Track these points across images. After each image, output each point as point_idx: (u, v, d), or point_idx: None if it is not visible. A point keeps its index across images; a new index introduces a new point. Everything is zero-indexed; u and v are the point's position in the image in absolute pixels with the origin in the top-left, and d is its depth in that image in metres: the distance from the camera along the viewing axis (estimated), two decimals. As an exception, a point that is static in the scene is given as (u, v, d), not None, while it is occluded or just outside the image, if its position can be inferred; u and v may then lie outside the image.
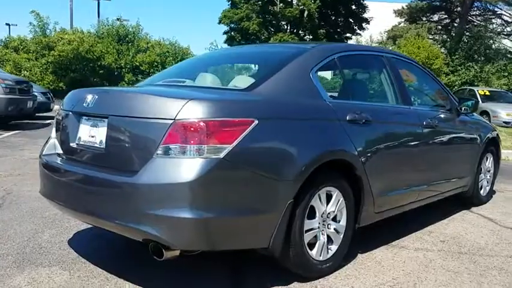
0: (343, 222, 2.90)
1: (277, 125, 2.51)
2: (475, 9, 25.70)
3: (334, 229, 2.86)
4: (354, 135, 2.90)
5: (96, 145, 2.58)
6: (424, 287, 2.74)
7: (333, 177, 2.80)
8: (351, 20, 27.63)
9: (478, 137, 4.47)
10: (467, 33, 23.80)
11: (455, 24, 25.64)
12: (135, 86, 3.39)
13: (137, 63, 19.47)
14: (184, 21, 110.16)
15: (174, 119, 2.24)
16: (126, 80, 19.00)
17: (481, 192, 4.78)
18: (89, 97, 2.64)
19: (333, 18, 27.79)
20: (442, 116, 3.97)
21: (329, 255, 2.83)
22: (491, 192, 5.11)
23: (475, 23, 24.68)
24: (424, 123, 3.64)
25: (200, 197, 2.22)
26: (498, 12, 24.86)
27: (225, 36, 28.11)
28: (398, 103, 3.54)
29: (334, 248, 2.86)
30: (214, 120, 2.26)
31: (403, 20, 26.29)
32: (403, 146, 3.41)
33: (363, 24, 27.53)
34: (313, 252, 2.72)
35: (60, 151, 2.89)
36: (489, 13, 25.32)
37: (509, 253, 3.39)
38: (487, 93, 17.13)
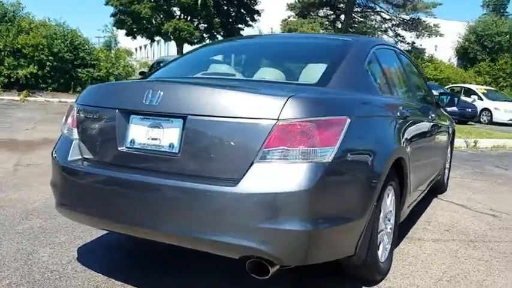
0: (393, 220, 2.86)
1: (362, 123, 2.35)
2: (357, 6, 27.69)
3: (390, 228, 2.80)
4: (402, 131, 2.87)
5: (163, 149, 2.15)
6: (474, 278, 2.82)
7: (391, 175, 2.73)
8: (243, 11, 27.81)
9: (449, 129, 4.78)
10: (352, 30, 25.59)
11: (341, 20, 27.41)
12: (155, 80, 2.86)
13: (19, 46, 17.18)
14: (71, 1, 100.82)
15: (277, 119, 1.96)
16: (6, 64, 16.68)
17: (445, 179, 5.14)
18: (148, 93, 2.18)
19: (225, 8, 27.73)
20: (433, 109, 4.15)
21: (387, 256, 2.76)
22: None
23: (357, 20, 26.65)
24: (430, 117, 3.77)
25: (314, 206, 1.98)
26: (377, 10, 27.13)
27: (113, 19, 26.28)
28: (414, 98, 3.60)
29: (389, 247, 2.80)
30: (319, 120, 2.02)
31: (293, 13, 27.31)
32: (424, 140, 3.48)
33: (255, 16, 27.90)
34: (379, 254, 2.63)
35: (92, 156, 2.38)
36: (369, 10, 27.51)
37: (509, 238, 3.66)
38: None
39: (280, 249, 1.97)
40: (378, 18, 26.72)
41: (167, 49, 42.70)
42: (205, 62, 3.13)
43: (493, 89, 21.28)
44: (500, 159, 8.19)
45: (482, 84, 23.68)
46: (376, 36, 24.78)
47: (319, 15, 27.58)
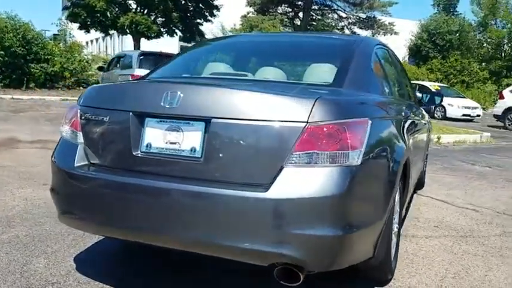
0: (397, 219, 2.88)
1: (378, 124, 2.34)
2: (315, 4, 28.02)
3: (396, 227, 2.82)
4: (406, 131, 2.89)
5: (183, 153, 2.05)
6: (475, 274, 2.89)
7: (401, 174, 2.74)
8: (201, 6, 27.41)
9: (428, 126, 4.89)
10: (310, 27, 25.87)
11: (300, 18, 27.65)
12: (172, 81, 2.53)
13: (-35, 40, 16.21)
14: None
15: (306, 122, 1.91)
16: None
17: (424, 175, 5.27)
18: (166, 95, 2.06)
19: (183, 2, 27.20)
20: (418, 107, 4.23)
21: (394, 255, 2.78)
22: (424, 176, 5.67)
23: (315, 17, 26.98)
24: (420, 116, 3.84)
25: (345, 210, 1.96)
26: (334, 8, 27.59)
27: (66, 12, 25.12)
28: (406, 97, 3.65)
29: (395, 246, 2.82)
30: (348, 122, 1.99)
31: (253, 10, 27.25)
32: (416, 139, 3.54)
33: (214, 11, 27.57)
34: (392, 254, 2.64)
35: (101, 161, 2.23)
36: (326, 8, 27.94)
37: (496, 232, 3.79)
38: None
39: (311, 255, 1.93)
40: (335, 16, 27.18)
41: (121, 43, 41.48)
42: (211, 61, 3.01)
43: (445, 85, 22.16)
44: (465, 155, 8.52)
45: (434, 81, 24.59)
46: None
47: (278, 12, 27.70)
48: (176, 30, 26.71)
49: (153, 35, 25.29)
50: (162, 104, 2.06)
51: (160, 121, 2.11)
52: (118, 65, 13.72)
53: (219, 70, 2.82)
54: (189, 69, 2.91)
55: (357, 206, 2.01)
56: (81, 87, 18.68)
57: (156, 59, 13.04)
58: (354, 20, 26.49)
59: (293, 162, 1.90)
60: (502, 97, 16.94)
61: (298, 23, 26.54)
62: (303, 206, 1.87)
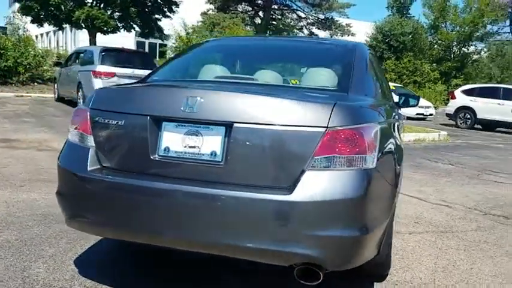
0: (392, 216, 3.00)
1: (383, 128, 2.43)
2: (275, 3, 28.23)
3: (392, 224, 2.94)
4: (399, 132, 3.02)
5: (203, 157, 2.06)
6: (462, 267, 3.07)
7: None
8: (160, 1, 26.96)
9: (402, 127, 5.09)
10: (271, 27, 26.06)
11: (261, 16, 27.78)
12: (190, 86, 2.52)
13: None
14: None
15: (326, 127, 1.98)
16: None
17: (397, 174, 5.48)
18: (186, 99, 2.07)
19: (141, -3, 26.63)
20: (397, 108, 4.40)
21: (390, 250, 2.90)
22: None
23: (275, 17, 27.20)
24: (402, 117, 4.00)
25: (364, 212, 2.04)
26: (293, 8, 27.91)
27: (18, 5, 23.96)
28: (392, 99, 3.80)
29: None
30: (363, 127, 2.08)
31: (213, 7, 27.11)
32: (401, 139, 3.68)
33: (173, 7, 27.21)
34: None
35: (115, 165, 2.21)
36: (286, 8, 28.22)
37: (472, 227, 4.02)
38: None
39: (331, 255, 2.00)
40: (295, 16, 27.50)
41: (74, 37, 40.10)
42: (212, 64, 3.01)
43: (399, 85, 22.95)
44: (426, 152, 8.91)
45: (388, 81, 25.41)
46: (293, 34, 25.52)
47: (239, 10, 27.71)
48: (134, 26, 26.16)
49: (109, 30, 24.67)
50: (181, 108, 2.06)
51: (179, 125, 2.11)
52: (77, 61, 13.31)
53: (223, 74, 2.84)
54: (191, 73, 2.90)
55: (372, 207, 2.09)
56: (35, 83, 17.97)
57: (118, 55, 12.75)
58: (312, 21, 26.92)
59: (314, 166, 1.96)
60: (453, 97, 17.80)
61: (259, 21, 26.66)
62: (325, 208, 1.94)
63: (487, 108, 16.35)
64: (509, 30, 37.42)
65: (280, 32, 24.88)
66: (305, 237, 1.94)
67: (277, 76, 2.80)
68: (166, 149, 2.11)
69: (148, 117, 2.13)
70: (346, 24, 26.54)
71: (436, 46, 33.25)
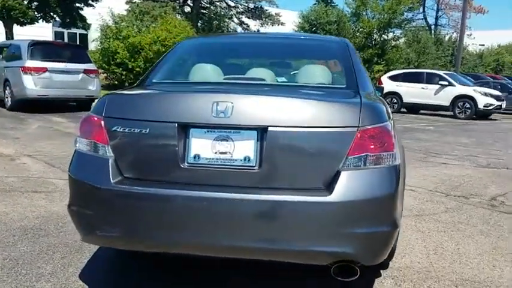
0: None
1: (394, 123, 2.54)
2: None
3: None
4: None
5: (236, 163, 2.04)
6: (449, 248, 3.29)
7: None
8: (79, -12, 25.49)
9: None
10: (200, 15, 25.63)
11: (190, 5, 27.20)
12: (209, 89, 2.50)
13: None
14: None
15: (357, 127, 2.04)
16: None
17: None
18: (215, 104, 2.03)
19: (60, -16, 25.05)
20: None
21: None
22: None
23: (204, 5, 26.81)
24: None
25: (396, 208, 2.13)
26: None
27: None
28: None
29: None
30: (387, 125, 2.17)
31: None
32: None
33: (94, -5, 25.86)
34: None
35: (139, 175, 2.12)
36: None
37: (441, 209, 4.30)
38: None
39: (367, 251, 2.08)
40: (224, 5, 27.28)
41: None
42: (217, 64, 2.92)
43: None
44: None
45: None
46: (224, 23, 25.38)
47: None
48: (54, 16, 24.62)
49: (27, 21, 23.04)
50: (211, 114, 2.02)
51: (208, 131, 2.06)
52: (1, 56, 12.31)
53: (231, 74, 2.80)
54: (195, 73, 2.81)
55: (399, 201, 2.19)
56: None
57: (49, 49, 12.00)
58: (242, 10, 26.90)
59: (349, 165, 2.01)
60: (380, 83, 18.74)
61: (189, 10, 26.09)
62: (362, 206, 2.00)
63: (411, 92, 17.43)
64: (422, 17, 40.04)
65: (211, 21, 24.62)
66: (344, 236, 1.99)
67: (289, 75, 2.81)
68: (197, 156, 2.06)
69: (176, 125, 2.05)
70: (276, 14, 26.85)
71: (358, 34, 34.63)
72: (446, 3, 35.53)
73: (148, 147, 2.11)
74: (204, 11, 25.28)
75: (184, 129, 2.07)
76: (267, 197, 1.97)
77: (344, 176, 2.00)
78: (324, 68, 2.83)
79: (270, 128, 2.01)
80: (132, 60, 17.90)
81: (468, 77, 20.68)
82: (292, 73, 2.89)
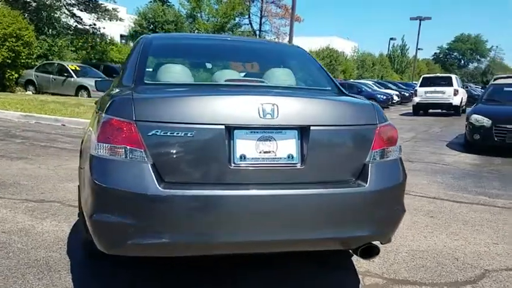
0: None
1: None
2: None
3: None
4: None
5: (280, 161, 2.23)
6: (440, 235, 3.86)
7: None
8: None
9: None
10: (29, 5, 22.62)
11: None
12: (254, 91, 2.60)
13: None
14: None
15: (376, 124, 2.42)
16: None
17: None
18: (261, 106, 2.18)
19: None
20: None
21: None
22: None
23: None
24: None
25: (404, 191, 2.57)
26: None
27: None
28: None
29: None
30: (391, 123, 2.56)
31: None
32: None
33: None
34: None
35: (182, 179, 2.13)
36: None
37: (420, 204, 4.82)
38: (77, 68, 17.80)
39: (388, 232, 2.47)
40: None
41: None
42: (211, 66, 3.14)
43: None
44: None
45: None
46: (54, 15, 23.02)
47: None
48: None
49: None
50: (256, 115, 2.16)
51: (252, 132, 2.20)
52: None
53: (229, 76, 2.91)
54: (194, 75, 2.91)
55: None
56: None
57: None
58: (74, 1, 24.61)
59: (374, 158, 2.38)
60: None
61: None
62: (388, 192, 2.39)
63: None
64: (248, 23, 42.64)
65: (38, 11, 21.97)
66: (376, 220, 2.34)
67: (284, 77, 3.01)
68: (242, 157, 2.18)
69: (224, 127, 2.13)
70: (113, 9, 25.33)
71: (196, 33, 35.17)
72: (269, 11, 38.38)
73: (194, 150, 2.14)
74: (30, 0, 22.44)
75: (230, 130, 2.16)
76: (311, 191, 2.20)
77: (373, 168, 2.35)
78: (310, 71, 3.24)
79: (312, 127, 2.24)
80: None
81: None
82: (282, 78, 3.03)
